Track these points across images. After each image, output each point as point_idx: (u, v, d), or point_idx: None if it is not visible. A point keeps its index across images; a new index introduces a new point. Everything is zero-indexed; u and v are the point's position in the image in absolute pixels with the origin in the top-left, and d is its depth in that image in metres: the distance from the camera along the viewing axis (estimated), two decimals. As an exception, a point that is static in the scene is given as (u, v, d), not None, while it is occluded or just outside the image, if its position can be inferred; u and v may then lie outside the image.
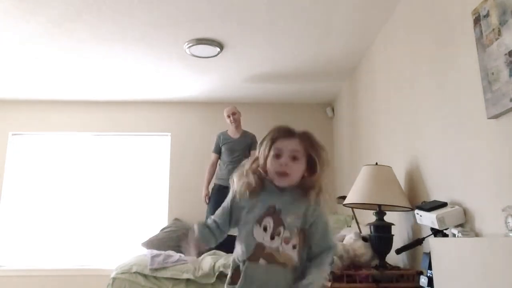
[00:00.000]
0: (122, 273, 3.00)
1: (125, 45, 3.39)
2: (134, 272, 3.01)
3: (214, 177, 4.05)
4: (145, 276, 2.98)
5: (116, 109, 4.86)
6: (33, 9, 2.82)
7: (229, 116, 4.04)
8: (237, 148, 4.00)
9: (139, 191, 4.73)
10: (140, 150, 4.85)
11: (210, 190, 4.03)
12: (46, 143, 4.81)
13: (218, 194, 3.86)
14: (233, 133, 4.08)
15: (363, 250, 2.36)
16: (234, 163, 3.94)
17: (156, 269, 3.01)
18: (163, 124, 4.89)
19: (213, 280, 2.89)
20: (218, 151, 4.09)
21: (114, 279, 2.97)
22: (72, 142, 4.83)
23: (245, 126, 4.17)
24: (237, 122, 4.06)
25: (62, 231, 4.58)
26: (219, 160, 4.11)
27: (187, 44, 3.36)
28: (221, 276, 2.89)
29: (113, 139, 4.87)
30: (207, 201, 3.95)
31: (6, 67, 3.80)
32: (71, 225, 4.60)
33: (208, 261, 3.01)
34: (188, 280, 2.94)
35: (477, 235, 1.73)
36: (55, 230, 4.58)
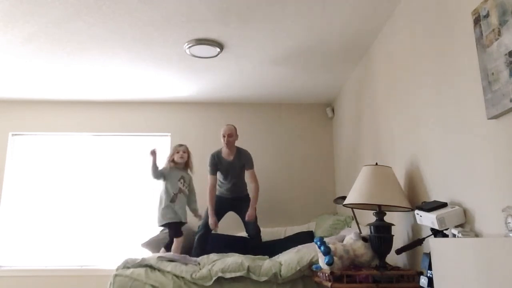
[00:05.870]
0: (124, 268, 3.00)
1: (125, 45, 3.39)
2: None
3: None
4: (147, 273, 2.96)
5: (116, 109, 4.86)
6: (33, 9, 2.82)
7: (224, 136, 3.87)
8: (231, 170, 3.90)
9: (139, 191, 4.73)
10: (140, 150, 4.84)
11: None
12: (46, 143, 4.81)
13: (217, 203, 3.87)
14: (226, 155, 3.92)
15: (363, 251, 2.37)
16: (229, 184, 3.94)
17: (161, 260, 3.01)
18: (163, 124, 4.89)
19: (210, 283, 2.86)
20: (215, 172, 3.94)
21: (115, 275, 2.96)
22: (72, 142, 4.84)
23: (245, 127, 4.16)
24: (230, 144, 3.88)
25: (62, 231, 4.58)
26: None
27: (187, 45, 3.36)
28: (220, 280, 2.87)
29: (113, 139, 4.87)
30: (217, 229, 3.82)
31: (6, 67, 3.81)
32: (71, 225, 4.60)
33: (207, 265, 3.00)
34: (186, 280, 2.92)
35: (477, 235, 1.73)
36: (55, 230, 4.58)
